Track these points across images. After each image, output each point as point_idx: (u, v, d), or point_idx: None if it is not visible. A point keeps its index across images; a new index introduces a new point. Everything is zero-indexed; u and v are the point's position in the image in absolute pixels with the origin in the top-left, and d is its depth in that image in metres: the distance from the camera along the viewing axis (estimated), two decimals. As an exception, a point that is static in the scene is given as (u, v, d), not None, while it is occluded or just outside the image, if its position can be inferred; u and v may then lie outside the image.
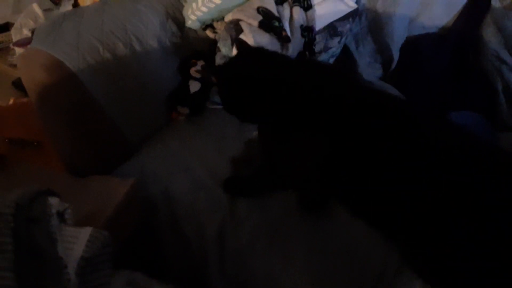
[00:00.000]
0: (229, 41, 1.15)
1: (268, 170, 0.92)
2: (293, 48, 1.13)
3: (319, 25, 1.20)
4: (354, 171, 0.68)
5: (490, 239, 0.56)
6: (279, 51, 1.11)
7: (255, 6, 1.14)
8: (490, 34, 1.26)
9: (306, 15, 1.19)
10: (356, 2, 1.28)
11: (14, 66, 1.65)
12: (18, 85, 1.48)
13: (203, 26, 1.28)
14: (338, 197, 0.78)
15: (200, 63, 1.27)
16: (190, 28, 1.29)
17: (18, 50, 1.61)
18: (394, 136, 0.65)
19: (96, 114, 1.12)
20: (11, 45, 1.69)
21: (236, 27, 1.13)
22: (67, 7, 1.83)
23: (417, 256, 0.68)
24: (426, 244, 0.63)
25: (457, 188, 0.59)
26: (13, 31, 1.68)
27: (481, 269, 0.57)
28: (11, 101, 1.29)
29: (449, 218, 0.59)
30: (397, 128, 0.66)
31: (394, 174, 0.63)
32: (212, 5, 1.20)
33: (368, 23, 1.37)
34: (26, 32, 1.62)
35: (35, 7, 1.70)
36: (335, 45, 1.27)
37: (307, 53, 1.22)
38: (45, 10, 1.75)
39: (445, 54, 1.37)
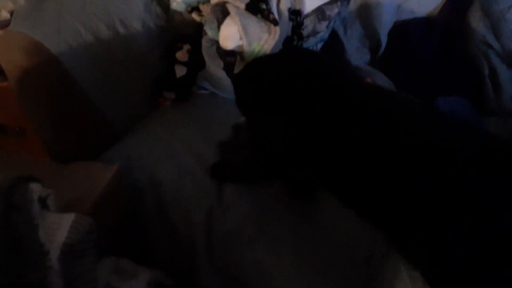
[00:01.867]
0: (215, 24, 1.13)
1: (256, 158, 0.91)
2: (281, 32, 1.12)
3: (307, 8, 1.19)
4: (344, 164, 0.68)
5: (481, 231, 0.56)
6: (267, 34, 1.10)
7: (242, -12, 1.12)
8: (477, 19, 1.26)
9: (294, -3, 1.18)
10: (345, -14, 1.26)
11: (-7, 49, 1.59)
12: (-3, 69, 1.44)
13: (189, 9, 1.25)
14: (328, 187, 0.79)
15: (186, 46, 1.24)
16: (175, 11, 1.26)
17: (-3, 33, 1.56)
18: (382, 129, 0.65)
19: (79, 98, 1.09)
20: (-11, 28, 1.64)
21: (222, 9, 1.11)
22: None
23: (406, 246, 0.68)
24: (415, 234, 0.63)
25: (448, 180, 0.58)
26: (-9, 14, 1.63)
27: (471, 262, 0.57)
28: (-10, 86, 1.25)
29: (440, 209, 0.59)
30: (387, 122, 0.66)
31: (383, 166, 0.63)
32: (197, -13, 1.17)
33: (357, 7, 1.36)
34: (5, 14, 1.56)
35: (15, -11, 1.65)
36: (323, 29, 1.25)
37: (295, 37, 1.21)
38: (25, -8, 1.69)
39: (433, 39, 1.36)
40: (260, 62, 0.88)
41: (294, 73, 0.79)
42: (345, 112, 0.69)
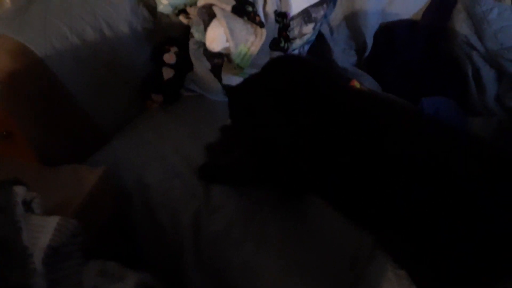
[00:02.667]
0: (202, 26, 1.13)
1: (247, 164, 0.92)
2: (267, 34, 1.12)
3: (293, 10, 1.20)
4: (339, 170, 0.69)
5: (476, 232, 0.57)
6: (253, 36, 1.10)
7: (228, -9, 1.12)
8: (460, 21, 1.28)
9: (280, 0, 1.19)
10: (330, -12, 1.28)
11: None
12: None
13: (176, 11, 1.25)
14: (319, 192, 0.80)
15: (174, 49, 1.24)
16: (162, 13, 1.26)
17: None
18: (380, 136, 0.66)
19: (66, 101, 1.09)
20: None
21: (208, 11, 1.11)
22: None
23: (397, 247, 0.69)
24: (411, 237, 0.64)
25: (444, 184, 0.59)
26: (-23, 17, 1.61)
27: (466, 263, 0.59)
28: (-25, 89, 1.24)
29: (437, 212, 0.60)
30: (383, 129, 0.67)
31: (381, 172, 0.64)
32: (184, -11, 1.18)
33: (343, 9, 1.37)
34: (-9, 18, 1.55)
35: (1, -9, 1.63)
36: (310, 31, 1.27)
37: (281, 39, 1.22)
38: (12, -5, 1.67)
39: (418, 40, 1.38)
40: (254, 76, 0.88)
41: (284, 83, 0.80)
42: (338, 119, 0.70)
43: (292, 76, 0.81)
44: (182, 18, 1.28)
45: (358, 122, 0.69)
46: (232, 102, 0.90)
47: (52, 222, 0.64)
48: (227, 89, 0.90)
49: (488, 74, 1.25)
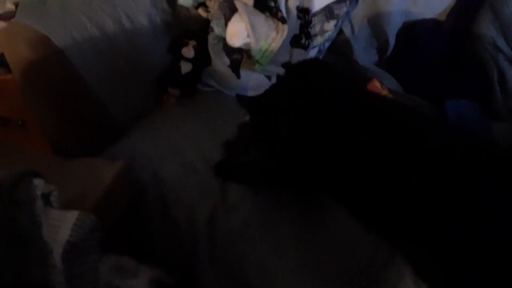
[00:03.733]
0: (222, 21, 1.12)
1: (263, 164, 0.91)
2: (289, 30, 1.10)
3: (316, 6, 1.18)
4: (352, 173, 0.69)
5: (487, 236, 0.57)
6: (274, 32, 1.09)
7: (251, -15, 1.11)
8: (487, 22, 1.24)
9: (302, -5, 1.16)
10: (354, -15, 1.25)
11: (-3, 41, 1.58)
12: (0, 61, 1.43)
13: (196, 4, 1.24)
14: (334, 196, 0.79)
15: (192, 43, 1.23)
16: (182, 6, 1.25)
17: (1, 24, 1.54)
18: (394, 139, 0.66)
19: (83, 92, 1.08)
20: (-7, 19, 1.62)
21: (230, 6, 1.10)
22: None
23: (412, 252, 0.68)
24: (423, 240, 0.63)
25: (455, 186, 0.59)
26: (-5, 4, 1.61)
27: (477, 266, 0.58)
28: (-7, 78, 1.24)
29: (448, 215, 0.59)
30: (397, 132, 0.67)
31: (395, 175, 0.64)
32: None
33: (365, 6, 1.34)
34: (10, 6, 1.55)
35: (20, -21, 1.63)
36: (331, 28, 1.24)
37: (302, 36, 1.20)
38: (30, -17, 1.67)
39: (440, 41, 1.35)
40: (274, 85, 0.89)
41: (300, 88, 0.80)
42: (348, 122, 0.70)
43: (307, 81, 0.81)
44: (201, 11, 1.26)
45: (368, 125, 0.69)
46: (253, 113, 0.90)
47: (71, 217, 0.63)
48: (246, 100, 0.90)
49: (514, 78, 1.22)
